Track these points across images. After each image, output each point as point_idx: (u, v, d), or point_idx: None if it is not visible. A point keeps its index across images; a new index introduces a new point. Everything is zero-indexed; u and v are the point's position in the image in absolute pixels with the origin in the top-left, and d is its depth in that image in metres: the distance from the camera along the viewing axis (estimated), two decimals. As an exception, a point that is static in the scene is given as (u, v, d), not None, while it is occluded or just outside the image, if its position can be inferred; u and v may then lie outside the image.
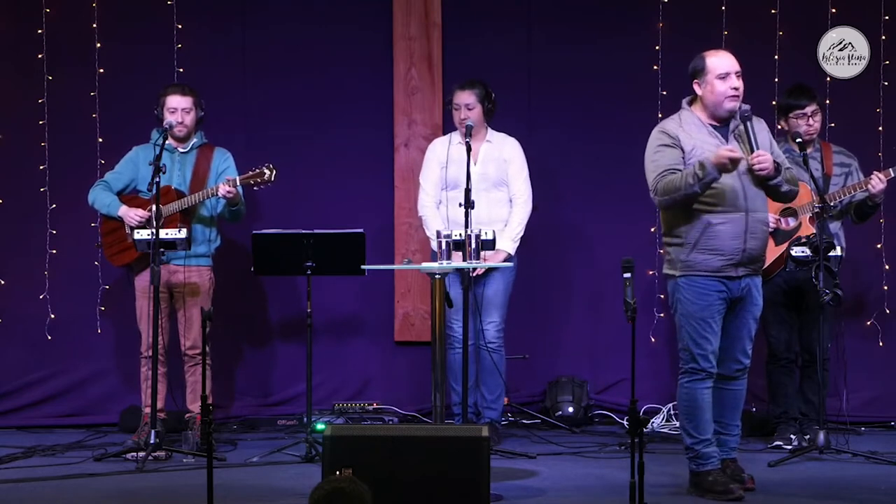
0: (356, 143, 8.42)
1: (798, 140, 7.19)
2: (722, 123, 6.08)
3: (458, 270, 7.06)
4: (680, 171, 5.97)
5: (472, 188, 6.94)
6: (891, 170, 7.30)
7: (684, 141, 6.00)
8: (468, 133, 7.24)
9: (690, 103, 6.15)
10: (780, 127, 7.54)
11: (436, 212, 7.66)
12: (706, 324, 6.00)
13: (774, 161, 5.99)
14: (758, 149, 5.98)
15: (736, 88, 6.02)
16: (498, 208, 7.59)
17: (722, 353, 6.11)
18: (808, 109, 7.41)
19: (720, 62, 6.06)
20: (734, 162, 5.87)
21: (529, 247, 7.82)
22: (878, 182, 7.27)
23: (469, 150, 7.07)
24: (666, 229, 6.15)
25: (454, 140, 7.60)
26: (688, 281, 6.02)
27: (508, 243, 7.53)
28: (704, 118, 6.08)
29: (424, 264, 7.06)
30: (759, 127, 6.13)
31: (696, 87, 6.09)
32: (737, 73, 6.05)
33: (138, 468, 6.75)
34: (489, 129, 7.69)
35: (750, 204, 5.99)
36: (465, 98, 7.57)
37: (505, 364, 7.68)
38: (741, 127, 6.04)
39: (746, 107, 6.08)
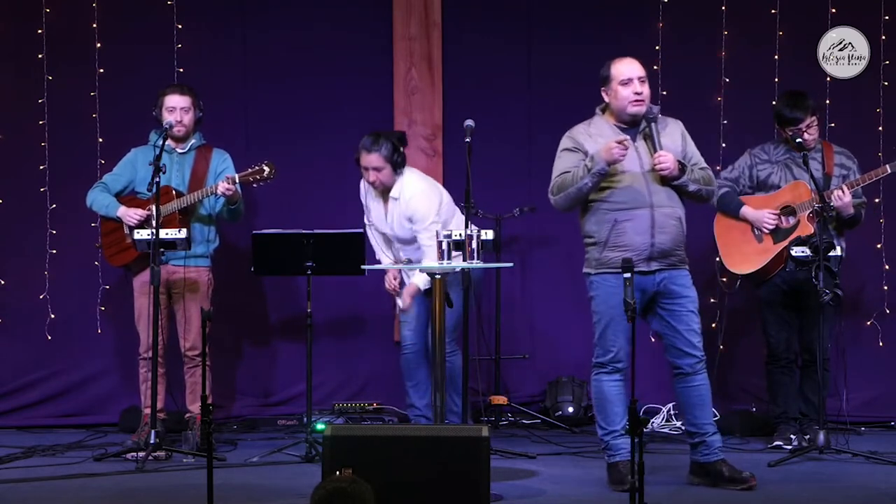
0: (356, 143, 8.39)
1: (798, 140, 7.18)
2: (632, 126, 6.20)
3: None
4: None
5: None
6: (887, 166, 7.29)
7: (588, 146, 6.14)
8: (468, 133, 6.99)
9: (604, 110, 6.29)
10: (777, 130, 7.54)
11: (377, 244, 7.56)
12: (614, 322, 6.12)
13: (679, 161, 6.11)
14: (661, 149, 6.10)
15: (638, 93, 6.15)
16: (420, 253, 7.30)
17: (670, 349, 6.24)
18: (803, 125, 7.37)
19: (622, 69, 6.20)
20: (619, 146, 5.96)
21: (529, 247, 7.80)
22: (837, 199, 7.18)
23: (470, 152, 6.78)
24: (582, 231, 6.28)
25: (369, 190, 7.37)
26: (601, 279, 6.18)
27: (421, 279, 7.18)
28: (614, 123, 6.22)
29: (424, 264, 7.04)
30: (672, 128, 6.26)
31: (603, 94, 6.26)
32: (640, 78, 6.18)
33: (138, 468, 6.75)
34: (397, 179, 7.24)
35: (655, 199, 6.11)
36: (373, 161, 7.18)
37: (458, 368, 7.22)
38: (647, 128, 6.17)
39: (656, 108, 6.24)
